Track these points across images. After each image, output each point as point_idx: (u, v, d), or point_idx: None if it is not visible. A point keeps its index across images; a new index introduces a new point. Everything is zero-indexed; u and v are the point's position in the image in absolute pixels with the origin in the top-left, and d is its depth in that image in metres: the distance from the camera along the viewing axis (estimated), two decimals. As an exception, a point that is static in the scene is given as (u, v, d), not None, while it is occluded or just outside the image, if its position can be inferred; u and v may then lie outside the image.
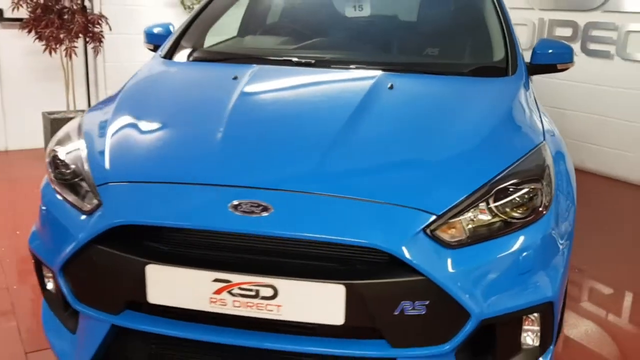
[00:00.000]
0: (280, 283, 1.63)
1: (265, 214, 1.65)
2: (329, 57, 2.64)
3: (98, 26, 5.04)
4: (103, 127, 2.10)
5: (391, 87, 2.27)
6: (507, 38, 2.76)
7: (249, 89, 2.29)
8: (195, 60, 2.72)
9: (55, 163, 2.03)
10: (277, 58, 2.66)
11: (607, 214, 4.25)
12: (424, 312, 1.62)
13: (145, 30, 3.16)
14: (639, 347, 2.61)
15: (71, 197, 1.90)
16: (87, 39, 5.02)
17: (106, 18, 5.08)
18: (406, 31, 2.98)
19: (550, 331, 1.87)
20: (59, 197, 1.95)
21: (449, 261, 1.64)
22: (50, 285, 2.11)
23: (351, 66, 2.56)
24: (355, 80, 2.46)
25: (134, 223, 1.71)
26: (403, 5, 3.17)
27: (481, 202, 1.75)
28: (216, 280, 1.66)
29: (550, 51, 2.81)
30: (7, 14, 5.10)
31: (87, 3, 5.16)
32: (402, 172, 1.84)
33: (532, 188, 1.81)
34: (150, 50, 3.18)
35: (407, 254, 1.60)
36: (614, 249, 3.66)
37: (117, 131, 2.06)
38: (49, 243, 1.92)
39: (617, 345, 2.60)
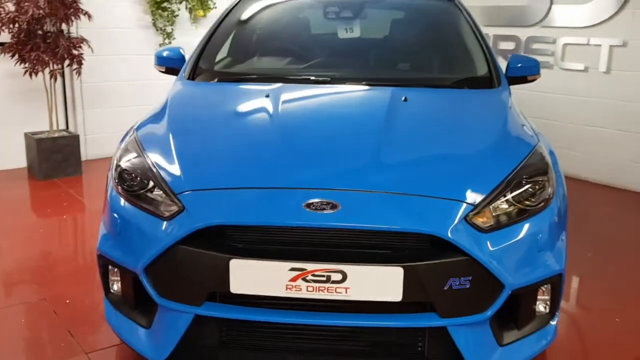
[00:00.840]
0: (349, 268, 1.96)
1: (334, 210, 1.97)
2: (343, 75, 2.98)
3: (79, 49, 5.18)
4: (163, 141, 2.38)
5: (405, 100, 2.64)
6: (488, 54, 3.18)
7: (285, 104, 2.63)
8: (221, 80, 2.99)
9: (123, 177, 2.28)
10: (296, 77, 2.97)
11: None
12: (468, 286, 1.99)
13: (156, 53, 3.42)
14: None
15: (146, 206, 2.15)
16: (68, 61, 5.16)
17: (87, 41, 5.23)
18: (401, 52, 3.36)
19: (558, 300, 2.28)
20: (131, 206, 2.19)
21: (486, 242, 2.01)
22: (115, 287, 2.34)
23: (363, 82, 2.91)
24: (373, 94, 2.82)
25: (225, 224, 2.00)
26: (395, 28, 3.54)
27: (502, 194, 2.12)
28: (292, 269, 1.97)
29: (519, 65, 3.24)
30: (-14, 39, 5.18)
31: (64, 26, 5.28)
32: (439, 170, 2.23)
33: (541, 180, 2.21)
34: (161, 72, 3.43)
35: (455, 238, 1.95)
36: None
37: (182, 145, 2.34)
38: (127, 248, 2.17)
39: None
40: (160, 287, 2.10)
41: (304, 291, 1.99)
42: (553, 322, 2.32)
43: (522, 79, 3.26)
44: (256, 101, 2.69)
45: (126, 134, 2.63)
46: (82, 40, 5.21)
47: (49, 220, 4.29)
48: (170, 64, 3.33)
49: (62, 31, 5.26)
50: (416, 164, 2.27)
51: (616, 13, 5.14)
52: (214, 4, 6.27)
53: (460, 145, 2.38)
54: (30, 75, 5.02)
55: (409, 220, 2.01)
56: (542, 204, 2.20)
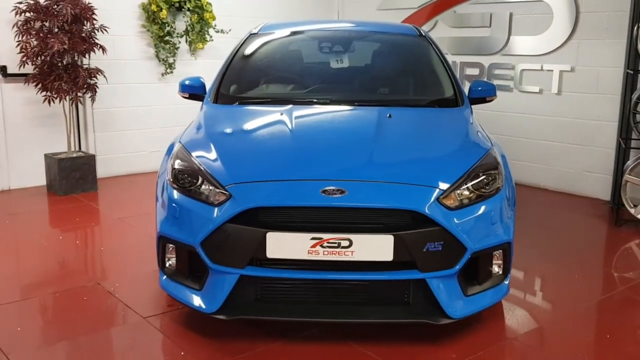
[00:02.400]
0: (353, 237, 2.68)
1: (343, 194, 2.71)
2: (338, 97, 3.75)
3: (95, 78, 5.87)
4: (207, 149, 3.10)
5: (390, 116, 3.40)
6: (453, 80, 3.96)
7: (298, 119, 3.36)
8: (241, 104, 3.72)
9: (178, 177, 2.98)
10: (301, 99, 3.71)
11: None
12: (440, 249, 2.71)
13: (181, 83, 4.11)
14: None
15: (198, 197, 2.85)
16: (85, 89, 5.82)
17: (103, 71, 5.92)
18: (383, 79, 4.14)
19: (508, 263, 3.02)
20: (187, 198, 2.89)
21: (453, 217, 2.74)
22: (170, 262, 3.02)
23: (355, 104, 3.68)
24: (364, 112, 3.58)
25: (263, 206, 2.72)
26: (376, 60, 4.33)
27: (464, 183, 2.86)
28: (312, 238, 2.68)
29: (480, 88, 4.02)
30: (10, 69, 5.83)
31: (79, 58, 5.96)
32: (418, 166, 2.98)
33: (492, 173, 2.96)
34: (185, 97, 4.13)
35: (431, 213, 2.69)
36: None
37: (222, 151, 3.06)
38: (186, 229, 2.85)
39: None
40: (213, 255, 2.78)
41: (321, 255, 2.70)
42: (506, 282, 3.06)
43: (482, 100, 4.03)
44: (274, 118, 3.41)
45: (170, 147, 3.34)
46: (98, 70, 5.90)
47: (80, 226, 4.92)
48: (193, 91, 4.04)
49: (77, 63, 5.95)
50: (400, 162, 3.03)
51: (565, 43, 6.00)
52: (211, 37, 7.01)
53: (432, 149, 3.16)
54: (50, 102, 5.68)
55: (397, 201, 2.74)
56: (494, 191, 2.95)
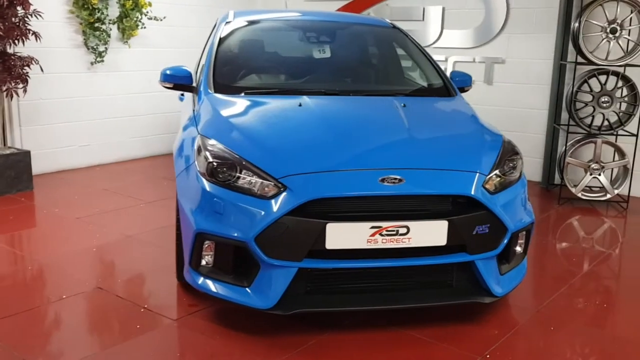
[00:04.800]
0: (411, 224, 2.74)
1: (401, 183, 2.76)
2: (343, 88, 3.81)
3: (28, 68, 5.39)
4: (241, 140, 3.00)
5: (404, 106, 3.48)
6: (437, 69, 4.12)
7: (323, 111, 3.35)
8: (248, 94, 3.61)
9: (216, 170, 2.86)
10: (309, 90, 3.68)
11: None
12: (487, 231, 2.85)
13: (163, 72, 3.91)
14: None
15: (245, 190, 2.76)
16: (17, 80, 5.33)
17: (37, 60, 5.45)
18: (374, 69, 4.23)
19: (528, 242, 3.23)
20: (231, 192, 2.79)
21: (495, 200, 2.89)
22: (206, 260, 2.91)
23: (363, 93, 3.75)
24: (382, 102, 3.64)
25: (324, 197, 2.68)
26: (362, 50, 4.39)
27: (495, 168, 3.03)
28: (372, 227, 2.71)
29: (458, 79, 4.23)
30: None
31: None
32: (458, 152, 3.09)
33: (515, 158, 3.16)
34: (168, 88, 3.94)
35: (480, 197, 2.82)
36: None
37: (265, 143, 2.98)
38: (234, 224, 2.75)
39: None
40: (268, 250, 2.71)
41: (380, 243, 2.73)
42: (525, 261, 3.29)
43: (461, 90, 4.24)
44: (296, 109, 3.35)
45: (184, 142, 3.18)
46: (32, 59, 5.41)
47: (41, 230, 4.52)
48: (179, 81, 3.85)
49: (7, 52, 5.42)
50: (441, 149, 3.12)
51: (495, 36, 6.43)
52: (144, 25, 6.67)
53: (458, 137, 3.30)
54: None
55: (451, 187, 2.85)
56: (519, 175, 3.15)
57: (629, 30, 5.29)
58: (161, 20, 6.73)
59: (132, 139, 6.99)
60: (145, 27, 6.69)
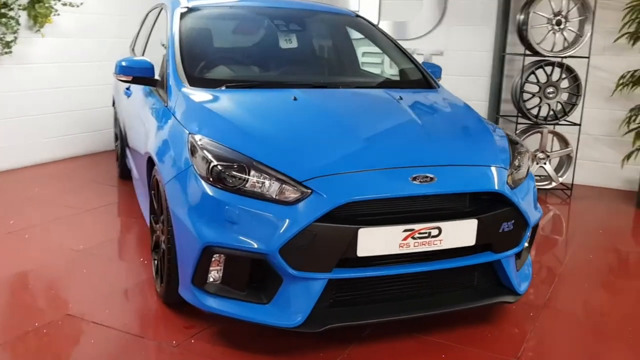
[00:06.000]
0: (443, 224, 2.55)
1: (433, 181, 2.55)
2: (326, 80, 3.57)
3: None
4: (248, 139, 2.66)
5: (400, 98, 3.28)
6: (412, 59, 3.97)
7: (326, 105, 3.09)
8: (229, 88, 3.24)
9: (223, 174, 2.51)
10: (296, 82, 3.40)
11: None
12: (512, 228, 2.73)
13: (118, 64, 3.46)
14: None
15: (260, 195, 2.45)
16: None
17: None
18: (349, 59, 4.00)
19: (534, 236, 3.15)
20: (244, 198, 2.46)
21: (517, 196, 2.77)
22: (214, 276, 2.56)
23: (354, 86, 3.54)
24: (378, 95, 3.43)
25: (356, 200, 2.41)
26: (332, 40, 4.14)
27: (513, 163, 2.91)
28: (405, 230, 2.49)
29: (430, 70, 4.11)
30: None
31: None
32: (477, 147, 2.92)
33: (525, 152, 3.06)
34: (126, 81, 3.49)
35: (509, 194, 2.69)
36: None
37: (274, 142, 2.66)
38: (254, 234, 2.42)
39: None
40: (294, 261, 2.41)
41: (412, 247, 2.52)
42: (529, 255, 3.21)
43: None
44: (293, 103, 3.05)
45: (173, 143, 2.81)
46: None
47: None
48: (140, 74, 3.42)
49: None
50: (460, 144, 2.95)
51: (434, 28, 6.41)
52: (57, 11, 5.99)
53: (466, 131, 3.13)
54: None
55: (481, 184, 2.67)
56: (528, 169, 3.06)
57: (573, 22, 5.44)
58: (78, 6, 6.07)
59: (49, 139, 6.26)
60: (59, 14, 6.00)
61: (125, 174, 5.33)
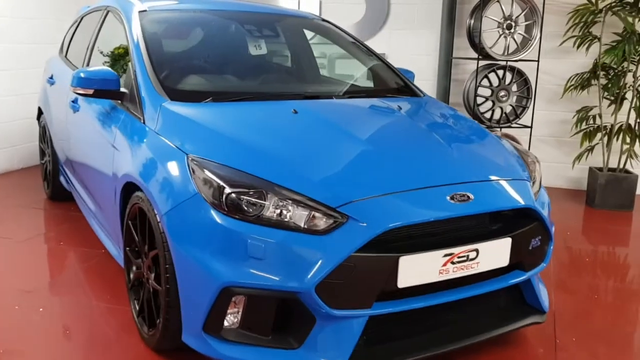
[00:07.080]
0: (480, 246, 2.35)
1: (470, 200, 2.34)
2: (318, 90, 3.33)
3: None
4: (262, 161, 2.34)
5: (399, 108, 3.07)
6: (388, 65, 3.78)
7: (331, 119, 2.81)
8: (216, 101, 2.86)
9: (239, 202, 2.17)
10: (286, 93, 3.14)
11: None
12: (539, 244, 2.58)
13: (76, 76, 3.01)
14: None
15: (284, 225, 2.14)
16: None
17: None
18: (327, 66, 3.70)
19: None
20: (268, 228, 2.13)
21: (540, 208, 2.62)
22: (233, 318, 2.22)
23: (346, 96, 3.27)
24: (378, 105, 3.17)
25: (398, 225, 2.15)
26: (302, 46, 3.85)
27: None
28: (445, 255, 2.26)
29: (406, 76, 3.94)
30: None
31: None
32: (502, 161, 2.72)
33: (536, 161, 2.93)
34: (87, 95, 3.04)
35: (538, 208, 2.53)
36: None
37: (295, 162, 2.35)
38: (284, 271, 2.10)
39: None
40: (331, 299, 2.11)
41: (450, 272, 2.29)
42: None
43: None
44: (299, 117, 2.74)
45: (168, 167, 2.42)
46: None
47: None
48: (104, 86, 2.98)
49: None
50: (488, 158, 2.76)
51: (377, 32, 6.27)
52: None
53: (486, 144, 2.92)
54: None
55: (516, 199, 2.48)
56: (540, 177, 2.93)
57: (522, 26, 5.48)
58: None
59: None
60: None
61: (58, 196, 4.76)
